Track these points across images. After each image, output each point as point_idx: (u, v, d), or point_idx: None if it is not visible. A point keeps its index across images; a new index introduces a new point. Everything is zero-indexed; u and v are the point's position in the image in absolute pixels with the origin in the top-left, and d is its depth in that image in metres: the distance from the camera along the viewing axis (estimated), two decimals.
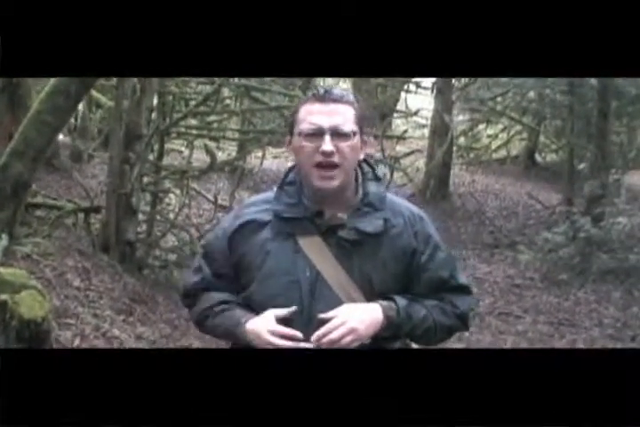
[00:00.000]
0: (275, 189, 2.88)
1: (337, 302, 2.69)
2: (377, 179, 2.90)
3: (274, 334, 2.64)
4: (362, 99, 2.92)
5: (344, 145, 2.71)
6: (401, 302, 2.74)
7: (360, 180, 2.85)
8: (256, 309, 2.76)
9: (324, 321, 2.64)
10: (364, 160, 2.88)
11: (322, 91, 2.76)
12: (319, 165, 2.71)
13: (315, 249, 2.75)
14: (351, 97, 2.78)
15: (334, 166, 2.70)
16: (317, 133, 2.70)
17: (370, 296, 2.74)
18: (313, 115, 2.73)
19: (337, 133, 2.70)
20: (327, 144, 2.68)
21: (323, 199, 2.77)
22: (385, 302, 2.73)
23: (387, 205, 2.83)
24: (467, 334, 8.42)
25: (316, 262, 2.73)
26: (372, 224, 2.76)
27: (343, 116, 2.73)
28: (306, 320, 2.68)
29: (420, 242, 2.82)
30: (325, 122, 2.70)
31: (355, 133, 2.73)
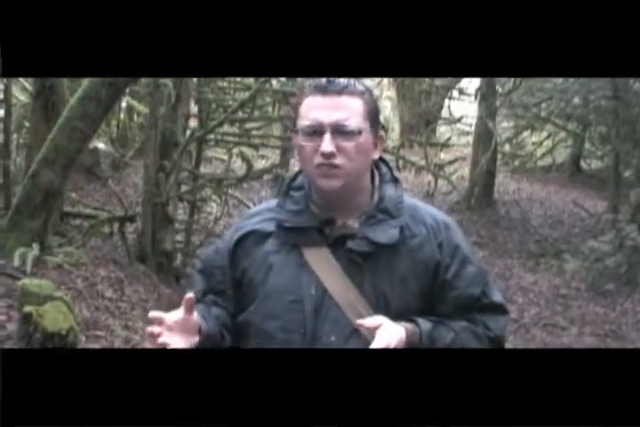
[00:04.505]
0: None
1: (346, 325, 2.33)
2: (395, 181, 2.49)
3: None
4: (376, 94, 2.53)
5: (348, 145, 2.32)
6: (424, 325, 2.35)
7: (377, 182, 2.47)
8: (252, 332, 2.43)
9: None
10: (382, 159, 2.51)
11: (324, 81, 2.35)
12: (319, 167, 2.33)
13: (322, 263, 2.38)
14: (360, 87, 2.37)
15: (335, 167, 2.32)
16: (317, 131, 2.32)
17: (386, 317, 2.31)
18: (312, 110, 2.34)
19: (339, 131, 2.31)
20: (327, 144, 2.30)
21: (332, 204, 2.41)
22: (409, 325, 2.33)
23: (406, 210, 2.43)
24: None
25: (322, 278, 2.36)
26: (385, 233, 2.36)
27: (348, 110, 2.33)
28: (309, 345, 2.34)
29: (445, 254, 2.41)
30: (325, 118, 2.31)
31: (361, 131, 2.33)
